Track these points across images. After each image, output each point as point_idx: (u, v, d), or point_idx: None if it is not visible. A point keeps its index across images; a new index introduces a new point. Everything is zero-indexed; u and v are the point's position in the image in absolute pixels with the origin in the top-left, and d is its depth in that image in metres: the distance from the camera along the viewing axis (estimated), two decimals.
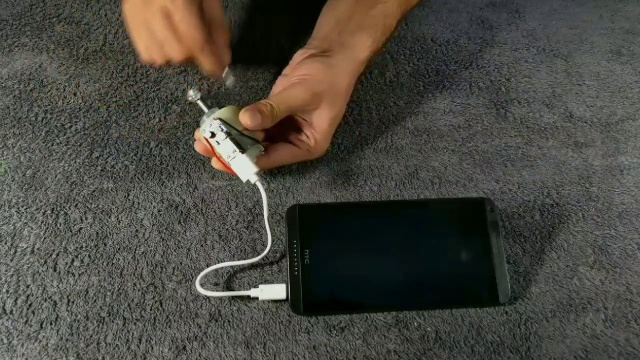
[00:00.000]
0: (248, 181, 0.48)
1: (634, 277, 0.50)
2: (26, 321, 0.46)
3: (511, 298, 0.48)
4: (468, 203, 0.52)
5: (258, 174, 0.47)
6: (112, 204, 0.52)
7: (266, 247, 0.49)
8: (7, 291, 0.47)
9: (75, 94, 0.58)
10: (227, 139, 0.46)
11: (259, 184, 0.48)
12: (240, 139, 0.47)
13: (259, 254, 0.49)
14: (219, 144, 0.47)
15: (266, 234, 0.49)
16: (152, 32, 0.48)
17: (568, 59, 0.64)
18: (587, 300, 0.49)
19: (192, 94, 0.49)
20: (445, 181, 0.55)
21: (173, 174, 0.54)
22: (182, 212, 0.52)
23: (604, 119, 0.60)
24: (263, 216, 0.49)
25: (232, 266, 0.49)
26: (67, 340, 0.45)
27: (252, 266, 0.49)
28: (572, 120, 0.59)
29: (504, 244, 0.50)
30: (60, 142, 0.55)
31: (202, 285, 0.47)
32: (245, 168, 0.47)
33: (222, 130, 0.46)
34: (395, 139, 0.57)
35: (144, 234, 0.50)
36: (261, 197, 0.48)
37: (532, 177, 0.55)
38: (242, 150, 0.47)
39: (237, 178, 0.53)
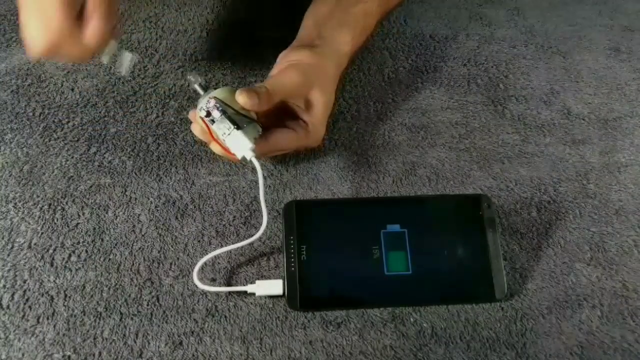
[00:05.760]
0: (245, 175, 0.47)
1: (630, 273, 0.50)
2: (23, 316, 0.46)
3: (507, 294, 0.48)
4: (465, 199, 0.52)
5: (254, 150, 0.47)
6: (110, 200, 0.52)
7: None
8: (4, 286, 0.47)
9: (72, 89, 0.58)
10: (223, 116, 0.46)
11: (254, 160, 0.47)
12: (237, 118, 0.47)
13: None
14: (214, 122, 0.47)
15: (261, 219, 0.48)
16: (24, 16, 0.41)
17: (566, 56, 0.64)
18: (583, 296, 0.49)
19: (191, 78, 0.49)
20: (443, 178, 0.55)
21: (170, 169, 0.54)
22: (179, 207, 0.52)
23: (601, 116, 0.60)
24: (260, 204, 0.48)
25: (229, 251, 0.49)
26: (63, 335, 0.45)
27: (249, 261, 0.49)
28: (569, 117, 0.59)
29: (500, 241, 0.50)
30: (58, 138, 0.55)
31: (199, 280, 0.47)
32: (240, 144, 0.46)
33: (217, 108, 0.46)
34: (392, 135, 0.57)
35: (141, 230, 0.50)
36: (256, 183, 0.47)
37: (529, 173, 0.55)
38: (238, 127, 0.46)
39: (235, 174, 0.54)
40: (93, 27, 0.42)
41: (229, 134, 0.46)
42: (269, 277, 0.48)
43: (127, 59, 0.47)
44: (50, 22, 0.41)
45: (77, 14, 0.42)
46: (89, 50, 0.43)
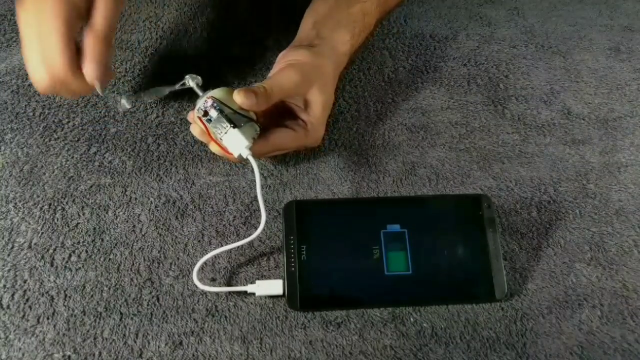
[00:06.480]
0: (245, 175, 0.47)
1: (630, 273, 0.50)
2: (23, 316, 0.46)
3: (507, 294, 0.48)
4: (465, 199, 0.52)
5: (250, 148, 0.47)
6: (110, 200, 0.52)
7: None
8: (5, 286, 0.47)
9: None
10: (220, 115, 0.46)
11: (250, 158, 0.47)
12: (234, 117, 0.47)
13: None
14: (211, 121, 0.47)
15: (260, 219, 0.48)
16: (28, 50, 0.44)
17: (566, 56, 0.64)
18: (583, 296, 0.49)
19: (188, 79, 0.49)
20: (443, 178, 0.55)
21: (170, 169, 0.54)
22: (179, 207, 0.52)
23: (601, 116, 0.60)
24: (258, 202, 0.48)
25: (229, 251, 0.49)
26: (64, 335, 0.45)
27: (249, 261, 0.49)
28: (569, 117, 0.59)
29: (500, 241, 0.50)
30: (58, 138, 0.55)
31: (199, 280, 0.47)
32: (237, 142, 0.46)
33: (214, 108, 0.46)
34: (392, 135, 0.57)
35: (141, 230, 0.50)
36: (256, 182, 0.47)
37: (529, 173, 0.55)
38: (235, 125, 0.46)
39: (235, 174, 0.54)
40: (89, 70, 0.45)
41: (225, 133, 0.46)
42: (269, 277, 0.48)
43: (121, 100, 0.50)
44: (52, 64, 0.44)
45: (75, 51, 0.44)
46: (86, 88, 0.46)
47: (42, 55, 0.44)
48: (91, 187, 0.52)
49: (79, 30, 0.45)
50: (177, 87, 0.51)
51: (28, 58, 0.45)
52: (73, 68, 0.44)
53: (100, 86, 0.46)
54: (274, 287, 0.47)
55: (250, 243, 0.50)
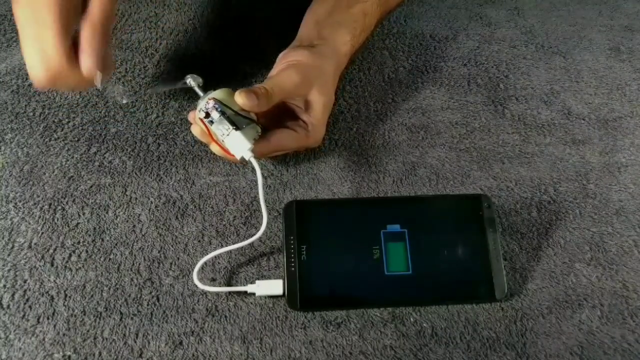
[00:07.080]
0: (246, 175, 0.47)
1: (630, 273, 0.50)
2: (23, 316, 0.46)
3: (507, 294, 0.48)
4: (465, 199, 0.52)
5: (253, 150, 0.47)
6: (110, 199, 0.52)
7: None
8: (5, 286, 0.47)
9: (72, 89, 0.58)
10: (222, 117, 0.46)
11: (253, 161, 0.47)
12: (236, 119, 0.47)
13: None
14: (213, 123, 0.47)
15: (261, 219, 0.48)
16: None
17: (566, 56, 0.64)
18: (583, 296, 0.49)
19: (189, 80, 0.49)
20: (443, 178, 0.55)
21: (171, 169, 0.54)
22: (179, 207, 0.52)
23: (602, 116, 0.60)
24: (259, 204, 0.48)
25: (229, 251, 0.49)
26: (64, 335, 0.45)
27: (249, 261, 0.49)
28: (569, 117, 0.59)
29: (500, 241, 0.50)
30: (58, 138, 0.55)
31: (199, 280, 0.47)
32: (239, 145, 0.46)
33: (216, 109, 0.46)
34: (392, 135, 0.57)
35: (141, 229, 0.50)
36: (257, 183, 0.47)
37: (529, 173, 0.55)
38: (237, 127, 0.46)
39: (235, 174, 0.54)
40: (85, 61, 0.43)
41: (227, 135, 0.46)
42: (269, 277, 0.48)
43: (120, 90, 0.49)
44: (48, 57, 0.42)
45: (72, 43, 0.43)
46: (85, 81, 0.44)
47: (38, 49, 0.42)
48: (91, 187, 0.52)
49: (77, 24, 0.44)
50: (179, 85, 0.51)
51: (26, 54, 0.43)
52: (69, 60, 0.43)
53: (98, 78, 0.45)
54: (274, 287, 0.47)
55: (250, 243, 0.50)
